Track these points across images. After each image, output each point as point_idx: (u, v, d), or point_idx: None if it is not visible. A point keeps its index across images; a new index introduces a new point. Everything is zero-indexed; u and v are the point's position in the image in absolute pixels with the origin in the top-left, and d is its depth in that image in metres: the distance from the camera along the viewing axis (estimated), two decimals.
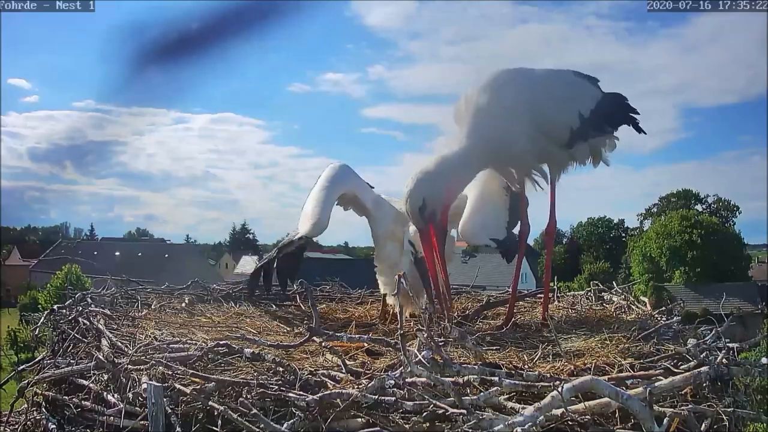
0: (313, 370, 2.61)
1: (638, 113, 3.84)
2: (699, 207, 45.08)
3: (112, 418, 2.64)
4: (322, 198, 3.86)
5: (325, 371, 2.62)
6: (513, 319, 3.85)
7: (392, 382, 2.42)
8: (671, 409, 2.35)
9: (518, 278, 4.10)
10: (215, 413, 2.35)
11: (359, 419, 2.33)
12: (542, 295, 4.72)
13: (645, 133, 3.86)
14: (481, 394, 2.37)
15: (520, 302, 4.71)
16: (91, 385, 2.83)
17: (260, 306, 4.69)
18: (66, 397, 2.98)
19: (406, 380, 2.43)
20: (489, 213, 3.83)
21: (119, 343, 3.03)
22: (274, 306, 4.67)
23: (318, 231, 3.80)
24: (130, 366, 2.70)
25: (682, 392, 2.54)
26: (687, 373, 2.58)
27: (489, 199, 3.87)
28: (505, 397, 2.40)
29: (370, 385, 2.41)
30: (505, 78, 3.59)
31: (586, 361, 2.84)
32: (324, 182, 3.98)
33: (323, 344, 3.03)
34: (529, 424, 2.15)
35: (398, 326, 2.69)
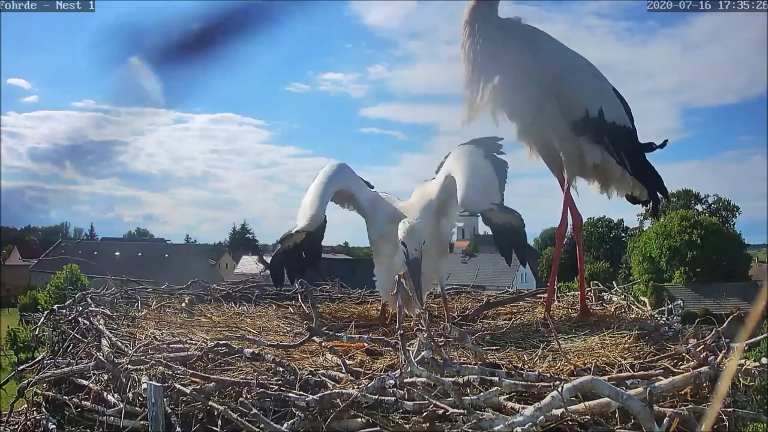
0: (313, 370, 2.61)
1: (668, 193, 4.26)
2: (699, 207, 45.04)
3: (112, 418, 2.64)
4: (317, 193, 3.94)
5: (325, 371, 2.62)
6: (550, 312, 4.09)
7: (392, 382, 2.42)
8: (671, 409, 2.34)
9: (556, 272, 4.49)
10: (215, 413, 2.35)
11: (359, 419, 2.33)
12: (542, 295, 4.74)
13: (657, 217, 4.26)
14: (481, 394, 2.37)
15: (520, 302, 4.72)
16: (91, 385, 2.83)
17: (260, 306, 4.69)
18: (66, 397, 2.98)
19: (406, 380, 2.42)
20: (483, 178, 3.92)
21: (119, 343, 3.04)
22: (274, 306, 4.68)
23: (314, 224, 3.84)
24: (130, 366, 2.70)
25: (682, 392, 2.54)
26: (687, 373, 2.58)
27: (477, 167, 3.96)
28: (505, 397, 2.40)
29: (370, 385, 2.41)
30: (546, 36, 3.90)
31: (586, 361, 2.84)
32: (320, 178, 4.05)
33: (323, 344, 3.03)
34: (529, 424, 2.15)
35: (398, 326, 2.69)
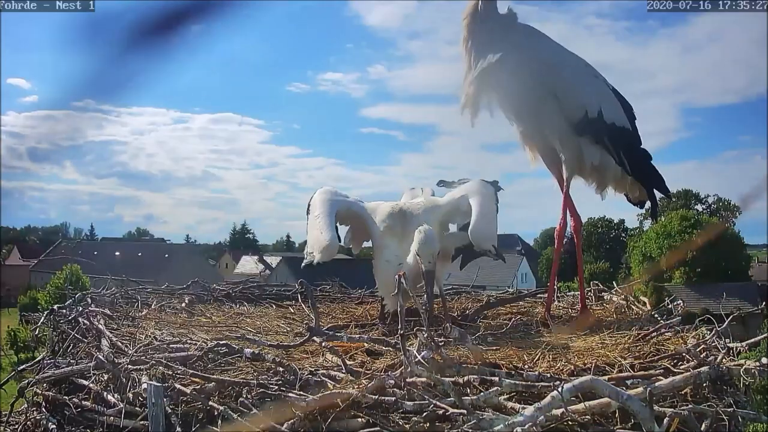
0: (313, 370, 2.60)
1: (670, 194, 4.26)
2: (699, 207, 45.09)
3: (112, 418, 2.64)
4: (323, 223, 3.93)
5: (325, 371, 2.62)
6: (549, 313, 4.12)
7: (392, 382, 2.41)
8: (671, 409, 2.34)
9: (555, 273, 4.58)
10: (215, 413, 2.35)
11: (359, 419, 2.33)
12: (542, 295, 4.74)
13: (655, 220, 4.29)
14: (481, 394, 2.37)
15: (520, 302, 4.72)
16: (91, 385, 2.83)
17: (260, 306, 4.69)
18: (66, 397, 2.98)
19: (406, 380, 2.42)
20: (491, 221, 3.96)
21: (119, 343, 3.03)
22: (274, 306, 4.68)
23: (331, 255, 3.85)
24: (130, 366, 2.70)
25: (682, 392, 2.54)
26: (687, 373, 2.58)
27: (491, 210, 4.01)
28: (505, 397, 2.40)
29: (370, 385, 2.41)
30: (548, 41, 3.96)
31: (586, 361, 2.84)
32: (319, 208, 4.04)
33: (323, 344, 3.03)
34: (529, 424, 2.15)
35: (398, 326, 2.69)
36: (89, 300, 4.04)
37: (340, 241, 4.04)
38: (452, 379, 2.42)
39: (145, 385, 2.46)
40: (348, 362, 2.71)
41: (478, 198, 3.98)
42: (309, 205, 4.15)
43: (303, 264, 4.00)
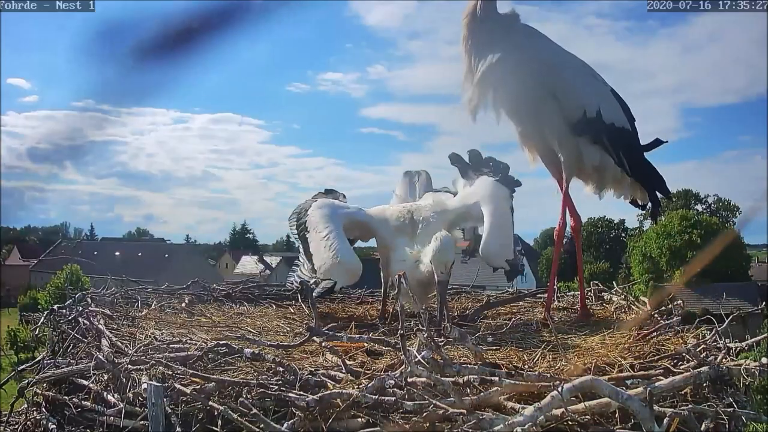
0: (313, 370, 2.60)
1: (670, 195, 4.27)
2: (699, 207, 45.15)
3: (112, 418, 2.64)
4: (337, 244, 3.73)
5: (325, 371, 2.62)
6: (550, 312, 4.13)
7: (392, 382, 2.41)
8: (671, 409, 2.34)
9: (555, 273, 4.64)
10: (215, 413, 2.34)
11: (359, 419, 2.33)
12: (542, 295, 4.75)
13: (656, 222, 4.30)
14: (481, 394, 2.37)
15: (520, 302, 4.72)
16: (91, 385, 2.82)
17: (260, 306, 4.69)
18: (66, 397, 2.97)
19: (406, 380, 2.42)
20: (506, 232, 3.92)
21: (119, 343, 3.03)
22: (274, 306, 4.68)
23: (355, 278, 3.71)
24: (130, 366, 2.69)
25: (682, 392, 2.54)
26: (687, 373, 2.58)
27: (504, 218, 3.96)
28: (505, 397, 2.40)
29: (370, 385, 2.41)
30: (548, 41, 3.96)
31: (586, 361, 2.84)
32: (326, 228, 3.83)
33: (323, 344, 3.03)
34: (529, 424, 2.15)
35: (398, 326, 2.69)
36: (89, 300, 4.04)
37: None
38: (452, 379, 2.42)
39: (145, 385, 2.46)
40: (348, 362, 2.71)
41: (490, 207, 3.85)
42: (305, 223, 3.99)
43: (319, 290, 3.72)
